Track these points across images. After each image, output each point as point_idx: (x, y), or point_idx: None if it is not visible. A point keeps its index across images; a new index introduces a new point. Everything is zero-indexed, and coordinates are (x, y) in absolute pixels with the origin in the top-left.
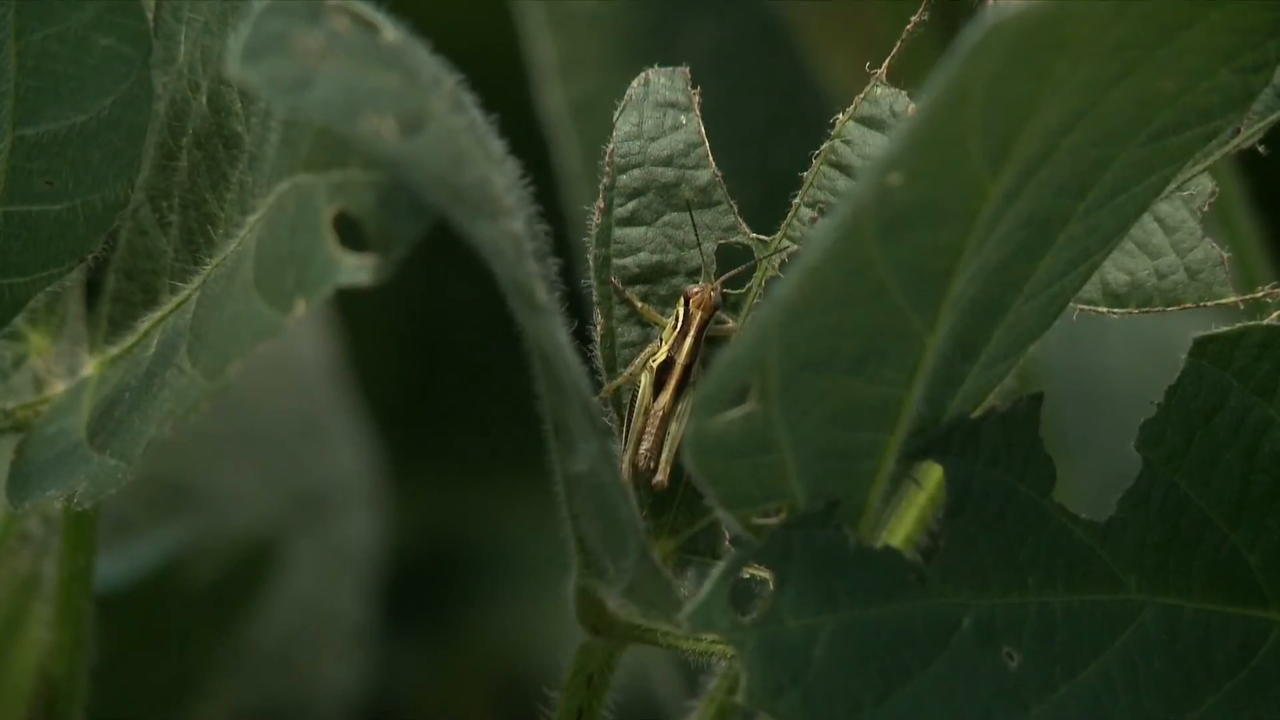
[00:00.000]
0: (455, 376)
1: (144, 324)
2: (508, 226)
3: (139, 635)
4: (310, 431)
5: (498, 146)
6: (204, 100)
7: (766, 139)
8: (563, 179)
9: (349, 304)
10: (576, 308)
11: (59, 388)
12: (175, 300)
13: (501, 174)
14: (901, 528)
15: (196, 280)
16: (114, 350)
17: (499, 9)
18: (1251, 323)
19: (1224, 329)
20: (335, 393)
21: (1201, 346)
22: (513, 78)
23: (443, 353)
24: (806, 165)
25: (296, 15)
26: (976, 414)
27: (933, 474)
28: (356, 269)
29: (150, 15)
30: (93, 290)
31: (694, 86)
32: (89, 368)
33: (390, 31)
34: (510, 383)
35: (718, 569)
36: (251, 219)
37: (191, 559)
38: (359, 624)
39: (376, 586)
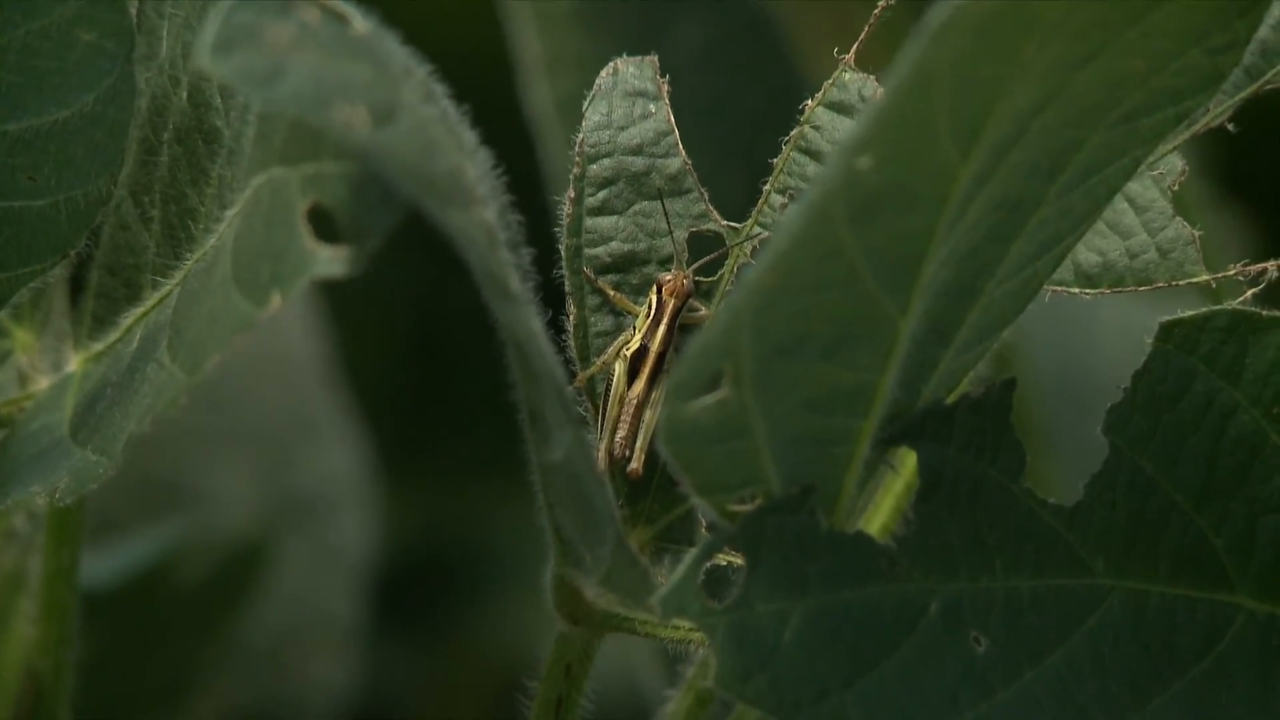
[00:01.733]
0: (448, 376)
1: (127, 319)
2: (480, 216)
3: (130, 634)
4: (302, 430)
5: (470, 137)
6: (184, 95)
7: (754, 136)
8: (547, 176)
9: (341, 303)
10: (552, 299)
11: (43, 384)
12: (157, 295)
13: (474, 163)
14: (879, 514)
15: (178, 275)
16: (98, 346)
17: (485, 7)
18: (1217, 306)
19: (1189, 313)
20: (327, 392)
21: (1167, 331)
22: (498, 75)
23: (435, 352)
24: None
25: (267, 7)
26: (950, 400)
27: (910, 459)
28: (331, 261)
29: (133, 11)
30: (76, 286)
31: (664, 75)
32: (73, 364)
33: (360, 23)
34: (502, 382)
35: (690, 555)
36: (230, 213)
37: (182, 557)
38: (350, 623)
39: (368, 586)
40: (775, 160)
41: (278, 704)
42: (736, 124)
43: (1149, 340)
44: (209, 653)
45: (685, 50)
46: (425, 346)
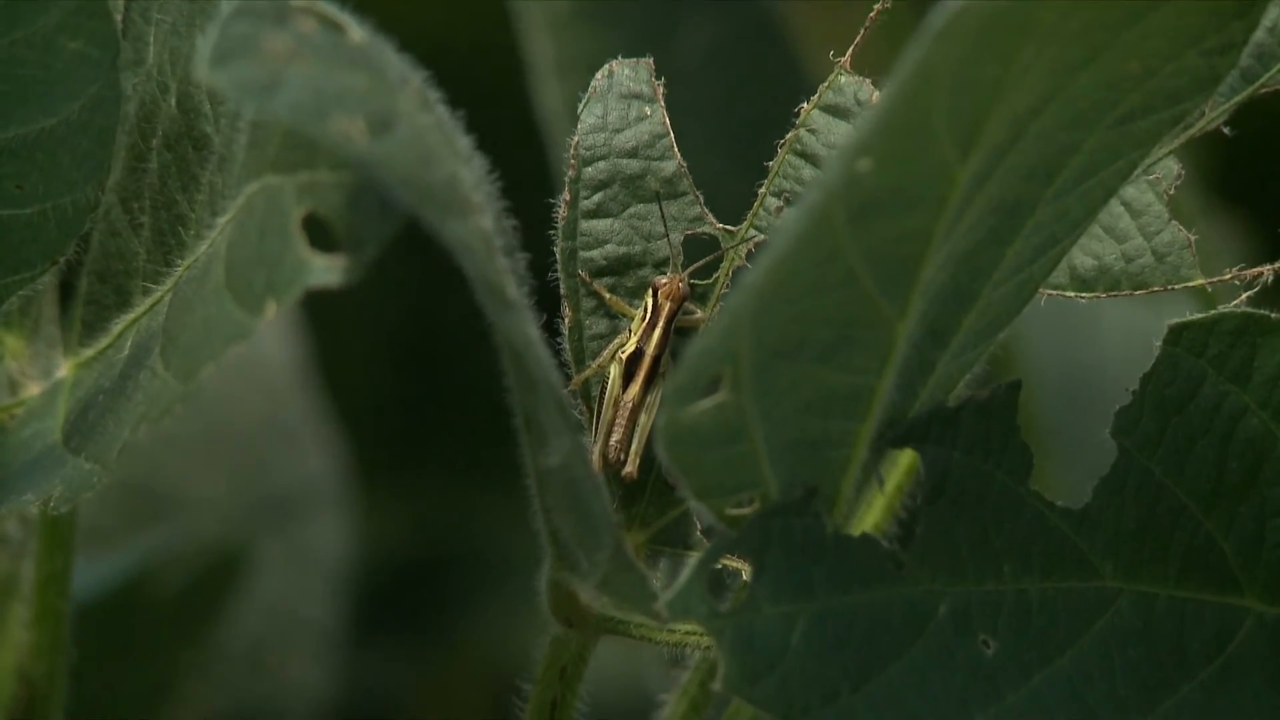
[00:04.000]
0: (427, 378)
1: (117, 326)
2: (477, 224)
3: (110, 641)
4: (278, 435)
5: (465, 143)
6: (173, 102)
7: (762, 138)
8: (558, 177)
9: (319, 306)
10: (547, 302)
11: (34, 390)
12: (148, 302)
13: (470, 170)
14: (870, 516)
15: (169, 282)
16: (88, 352)
17: (496, 8)
18: (1226, 309)
19: (1198, 316)
20: (303, 395)
21: (1176, 334)
22: (509, 76)
23: (414, 354)
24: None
25: (263, 18)
26: (954, 402)
27: (898, 465)
28: (326, 270)
29: (119, 17)
30: (66, 292)
31: (670, 76)
32: (63, 370)
33: (357, 32)
34: (485, 382)
35: (695, 558)
36: (222, 220)
37: (161, 564)
38: (329, 627)
39: (350, 589)
40: (770, 163)
41: (257, 708)
42: (744, 124)
43: (1157, 344)
44: (188, 658)
45: (694, 50)
46: (404, 348)
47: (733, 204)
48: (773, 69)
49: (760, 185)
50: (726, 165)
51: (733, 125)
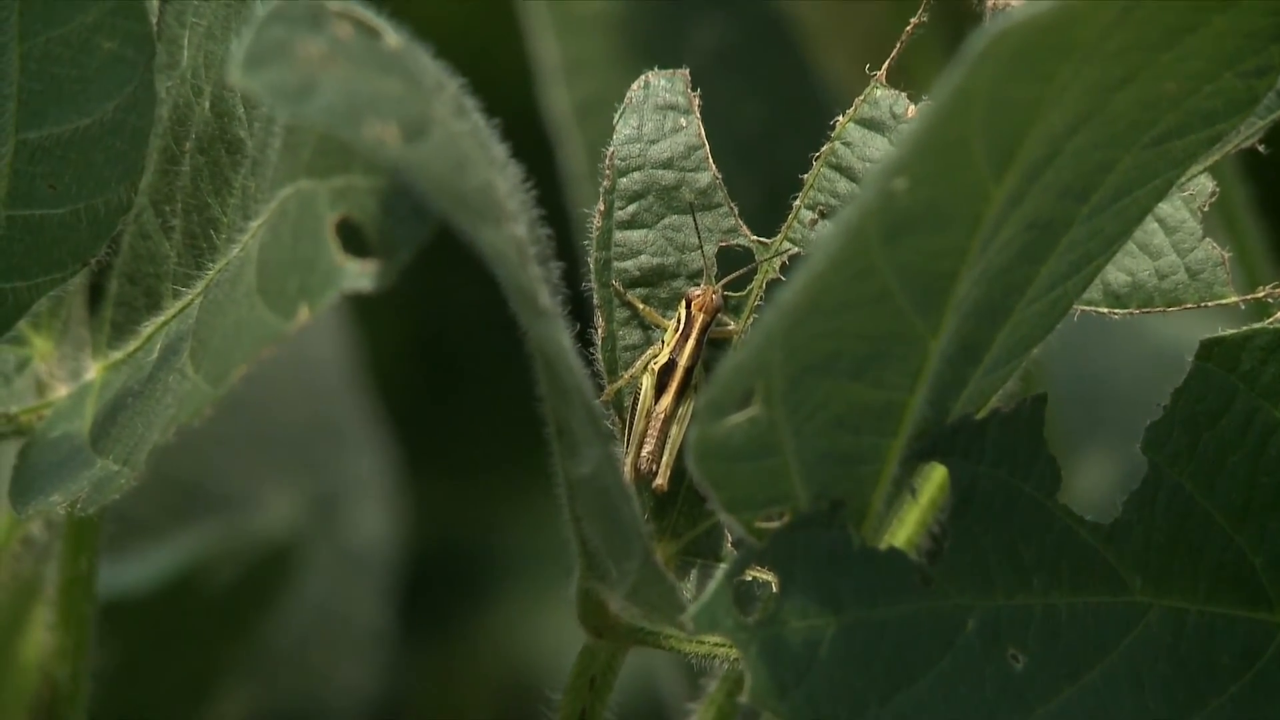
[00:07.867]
0: (470, 381)
1: (147, 328)
2: (511, 231)
3: (157, 637)
4: (326, 434)
5: (500, 150)
6: (207, 105)
7: (771, 141)
8: (567, 181)
9: (365, 308)
10: (579, 311)
11: (62, 392)
12: (178, 305)
13: (504, 178)
14: (903, 531)
15: (199, 285)
16: (117, 354)
17: (504, 11)
18: (1258, 325)
19: (1230, 332)
20: (351, 396)
21: (1208, 349)
22: (517, 79)
23: (457, 358)
24: (810, 167)
25: (298, 22)
26: (981, 415)
27: (932, 479)
28: (359, 275)
29: (154, 19)
30: (96, 294)
31: (695, 88)
32: (92, 372)
33: (392, 37)
34: (524, 388)
35: (721, 570)
36: (254, 224)
37: (209, 562)
38: (374, 627)
39: (391, 589)
40: (805, 176)
41: (303, 707)
42: (753, 127)
43: (1189, 359)
44: (235, 656)
45: (702, 53)
46: (449, 352)
47: (740, 204)
48: (782, 73)
49: (793, 198)
50: (735, 167)
51: (741, 127)
